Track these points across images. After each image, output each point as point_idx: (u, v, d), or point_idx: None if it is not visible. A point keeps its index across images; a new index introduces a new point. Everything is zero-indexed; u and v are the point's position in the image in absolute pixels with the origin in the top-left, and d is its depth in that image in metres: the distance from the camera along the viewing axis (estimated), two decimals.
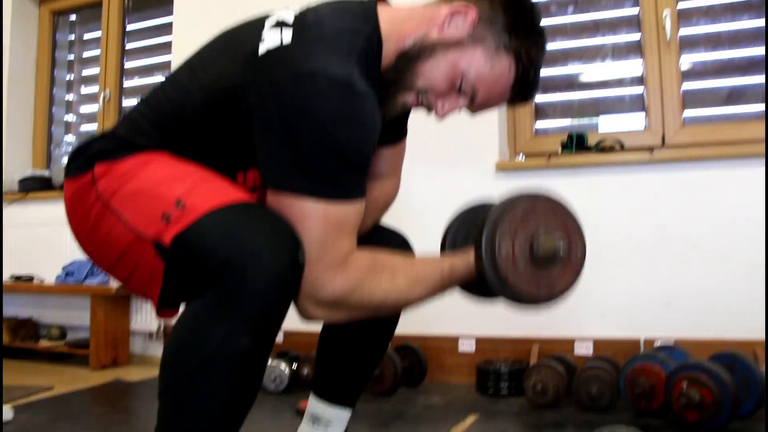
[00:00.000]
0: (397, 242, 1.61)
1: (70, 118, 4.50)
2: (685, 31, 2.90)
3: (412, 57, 1.23)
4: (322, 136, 1.08)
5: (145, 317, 3.52)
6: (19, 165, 4.20)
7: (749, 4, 2.86)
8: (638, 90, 2.96)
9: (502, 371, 2.58)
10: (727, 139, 2.75)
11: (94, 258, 1.30)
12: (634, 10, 2.99)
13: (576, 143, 2.81)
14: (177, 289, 1.16)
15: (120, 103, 4.18)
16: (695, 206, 2.64)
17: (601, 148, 2.80)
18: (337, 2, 1.30)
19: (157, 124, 1.25)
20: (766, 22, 2.76)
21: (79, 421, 2.31)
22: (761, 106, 2.80)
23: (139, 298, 3.28)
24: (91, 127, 4.34)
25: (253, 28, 1.22)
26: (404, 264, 1.26)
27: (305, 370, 2.65)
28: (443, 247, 1.49)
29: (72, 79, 4.51)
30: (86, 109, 4.43)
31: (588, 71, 3.10)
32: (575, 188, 2.78)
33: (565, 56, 3.11)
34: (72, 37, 4.55)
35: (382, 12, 1.27)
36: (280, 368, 2.64)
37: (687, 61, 2.90)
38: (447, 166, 2.93)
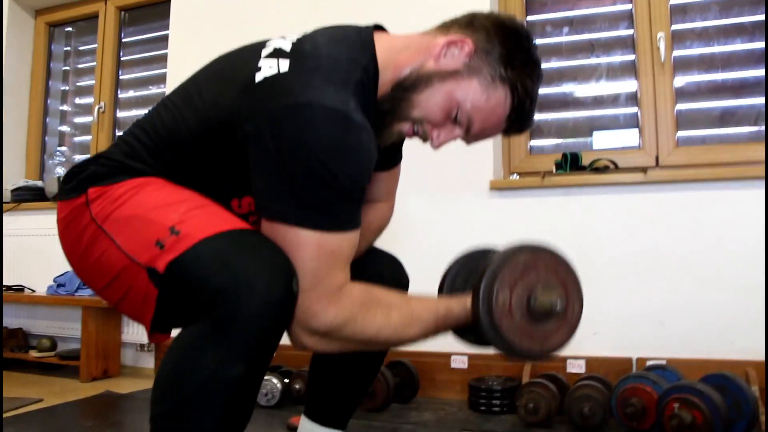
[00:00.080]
0: (391, 265, 1.62)
1: (64, 128, 4.49)
2: (678, 52, 2.92)
3: (408, 87, 1.24)
4: (318, 167, 1.08)
5: (136, 329, 3.51)
6: (12, 175, 4.19)
7: (742, 28, 2.88)
8: (632, 110, 2.98)
9: (494, 388, 2.58)
10: (720, 160, 2.76)
11: (85, 279, 1.30)
12: (628, 32, 3.01)
13: (570, 163, 2.82)
14: (169, 314, 1.16)
15: (114, 114, 4.18)
16: (688, 227, 2.64)
17: (594, 168, 2.81)
18: (335, 30, 1.31)
19: (152, 148, 1.25)
20: (766, 45, 2.78)
21: None
22: (753, 128, 2.81)
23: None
24: (85, 139, 4.32)
25: (250, 55, 1.22)
26: (400, 301, 1.26)
27: (297, 385, 2.65)
28: (441, 289, 1.49)
29: (67, 89, 4.51)
30: (80, 120, 4.42)
31: (583, 91, 3.11)
32: (569, 208, 2.80)
33: (560, 76, 3.12)
34: (67, 48, 4.55)
35: (379, 40, 1.28)
36: (271, 383, 2.64)
37: (681, 82, 2.91)
38: (441, 184, 2.94)
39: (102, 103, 4.13)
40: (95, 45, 4.30)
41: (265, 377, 2.63)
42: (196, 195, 1.22)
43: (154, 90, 4.13)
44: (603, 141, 3.04)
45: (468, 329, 1.31)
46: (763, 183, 2.55)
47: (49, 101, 4.45)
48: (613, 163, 2.82)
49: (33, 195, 3.92)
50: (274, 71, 1.14)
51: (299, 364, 2.74)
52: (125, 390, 3.03)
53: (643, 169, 2.71)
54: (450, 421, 2.49)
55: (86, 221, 1.21)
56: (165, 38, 3.90)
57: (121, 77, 4.24)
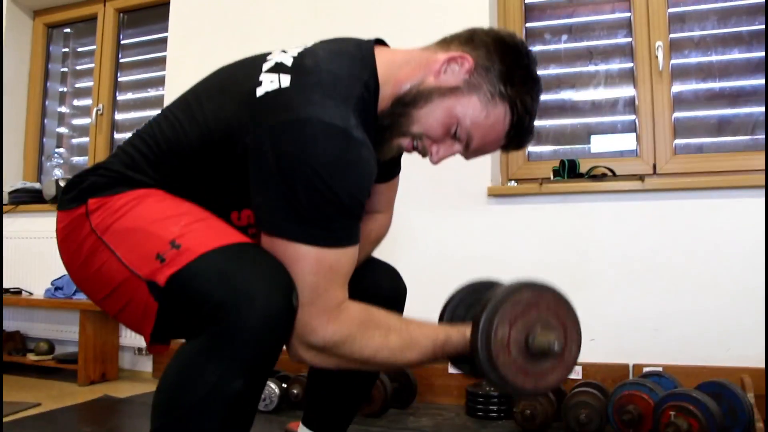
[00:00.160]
0: (389, 275, 1.63)
1: (62, 130, 4.49)
2: (676, 61, 2.93)
3: (408, 103, 1.25)
4: (318, 183, 1.08)
5: (134, 332, 3.50)
6: (10, 177, 4.18)
7: (739, 37, 2.89)
8: (630, 117, 2.99)
9: (491, 394, 2.59)
10: (717, 168, 2.78)
11: (85, 289, 1.31)
12: (627, 40, 3.02)
13: (568, 170, 2.83)
14: (169, 326, 1.17)
15: (113, 117, 4.18)
16: (685, 234, 2.66)
17: (592, 175, 2.82)
18: (335, 44, 1.31)
19: (152, 160, 1.26)
20: (766, 54, 2.79)
21: None
22: (750, 137, 2.83)
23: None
24: (83, 140, 4.32)
25: (251, 68, 1.23)
26: (399, 325, 1.26)
27: (295, 390, 2.65)
28: (442, 316, 1.50)
29: (65, 91, 4.51)
30: (78, 121, 4.42)
31: (581, 98, 3.11)
32: (567, 215, 2.81)
33: (558, 83, 3.13)
34: (66, 49, 4.55)
35: (380, 55, 1.29)
36: (269, 388, 2.64)
37: (678, 90, 2.92)
38: (439, 191, 2.94)
39: (100, 105, 4.13)
40: (93, 47, 4.30)
41: None
42: (197, 208, 1.23)
43: (152, 92, 4.13)
44: (601, 144, 3.05)
45: (465, 359, 1.32)
46: (759, 191, 2.56)
47: (47, 103, 4.45)
48: (611, 170, 2.83)
49: (31, 197, 3.92)
50: (275, 86, 1.15)
51: (297, 369, 2.75)
52: (123, 394, 3.04)
53: (641, 177, 2.72)
54: (447, 426, 2.49)
55: (86, 232, 1.21)
56: (164, 40, 3.89)
57: (119, 79, 4.23)
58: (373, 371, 1.51)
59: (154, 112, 3.84)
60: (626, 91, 3.02)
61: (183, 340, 1.14)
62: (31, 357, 3.52)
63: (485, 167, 2.92)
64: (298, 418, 1.73)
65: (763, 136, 2.80)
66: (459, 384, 2.81)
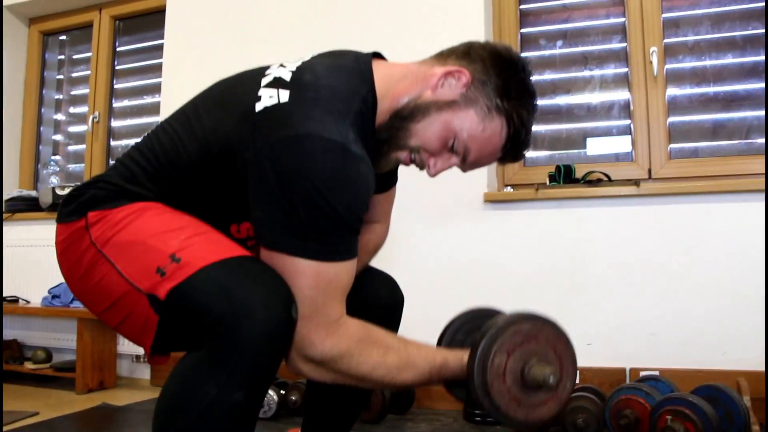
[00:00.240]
0: (386, 284, 1.64)
1: (58, 137, 4.49)
2: (671, 66, 2.95)
3: (405, 116, 1.26)
4: (317, 198, 1.09)
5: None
6: (6, 185, 4.18)
7: (733, 42, 2.91)
8: (625, 122, 3.00)
9: None
10: (711, 172, 2.79)
11: (84, 302, 1.31)
12: (622, 45, 3.04)
13: (563, 175, 2.84)
14: (169, 339, 1.18)
15: (109, 124, 4.18)
16: (680, 239, 2.67)
17: (588, 180, 2.84)
18: (333, 57, 1.32)
19: (151, 173, 1.26)
20: (766, 59, 2.81)
21: None
22: (744, 141, 2.84)
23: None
24: (80, 148, 4.32)
25: (249, 83, 1.24)
26: (397, 344, 1.27)
27: (293, 397, 2.65)
28: (440, 340, 1.51)
29: (60, 98, 4.51)
30: (74, 129, 4.42)
31: (576, 103, 3.13)
32: (563, 220, 2.82)
33: (553, 88, 3.14)
34: (61, 56, 4.55)
35: (377, 69, 1.30)
36: (268, 395, 2.64)
37: (673, 95, 2.94)
38: (435, 197, 2.94)
39: (96, 113, 4.13)
40: (89, 54, 4.30)
41: None
42: (196, 221, 1.24)
43: (148, 99, 4.13)
44: (597, 147, 3.06)
45: (459, 384, 1.33)
46: (753, 195, 2.58)
47: (43, 110, 4.45)
48: (606, 175, 2.84)
49: (27, 205, 3.91)
50: (274, 101, 1.16)
51: (295, 376, 2.74)
52: (121, 402, 3.04)
53: (636, 182, 2.73)
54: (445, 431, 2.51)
55: (86, 245, 1.22)
56: (160, 47, 3.90)
57: (115, 86, 4.24)
58: (364, 394, 1.52)
59: (151, 119, 3.84)
60: (621, 96, 3.03)
61: (182, 352, 1.15)
62: (29, 365, 3.52)
63: (481, 173, 2.93)
64: (296, 425, 1.74)
65: (758, 140, 2.82)
66: None
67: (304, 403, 1.74)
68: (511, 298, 2.83)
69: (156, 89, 3.98)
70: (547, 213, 2.85)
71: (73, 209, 1.26)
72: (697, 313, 2.62)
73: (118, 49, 4.27)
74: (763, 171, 2.69)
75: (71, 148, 4.44)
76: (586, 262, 2.78)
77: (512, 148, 1.31)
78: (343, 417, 1.67)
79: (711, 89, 2.93)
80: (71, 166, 4.37)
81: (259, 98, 1.17)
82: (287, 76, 1.22)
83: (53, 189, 3.79)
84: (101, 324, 3.32)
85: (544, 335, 1.28)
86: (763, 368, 2.42)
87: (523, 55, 3.08)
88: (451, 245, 2.96)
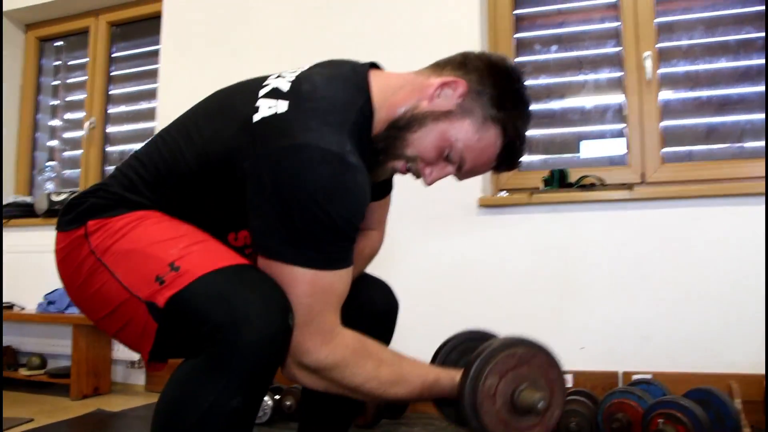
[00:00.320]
0: (382, 291, 1.66)
1: (53, 143, 4.48)
2: (665, 70, 2.97)
3: (402, 126, 1.27)
4: (314, 207, 1.10)
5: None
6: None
7: (726, 46, 2.93)
8: (619, 126, 3.02)
9: None
10: (705, 177, 2.81)
11: (83, 309, 1.32)
12: (616, 50, 3.06)
13: (557, 179, 2.86)
14: (167, 346, 1.19)
15: (105, 130, 4.19)
16: (673, 243, 2.68)
17: (582, 185, 2.85)
18: (331, 68, 1.34)
19: (150, 182, 1.28)
20: (766, 62, 2.83)
21: None
22: (737, 145, 2.87)
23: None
24: (75, 153, 4.32)
25: (248, 93, 1.25)
26: (392, 359, 1.29)
27: (288, 402, 2.66)
28: (434, 358, 1.53)
29: (56, 104, 4.51)
30: (70, 134, 4.42)
31: (571, 107, 3.15)
32: (557, 224, 2.84)
33: (548, 92, 3.16)
34: (57, 62, 4.55)
35: (374, 79, 1.31)
36: (263, 400, 2.64)
37: (666, 99, 2.96)
38: (430, 202, 2.95)
39: (93, 119, 4.14)
40: (85, 60, 4.30)
41: None
42: (195, 230, 1.25)
43: (144, 105, 4.14)
44: (591, 150, 3.08)
45: (449, 403, 1.35)
46: (746, 199, 2.60)
47: (38, 116, 4.45)
48: (600, 180, 2.86)
49: (22, 211, 3.90)
50: (272, 112, 1.17)
51: (290, 381, 2.75)
52: (116, 408, 3.04)
53: (630, 186, 2.75)
54: None
55: (85, 253, 1.23)
56: (156, 53, 3.91)
57: (111, 92, 4.24)
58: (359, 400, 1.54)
59: (147, 125, 3.84)
60: (615, 100, 3.05)
61: (179, 359, 1.16)
62: (23, 372, 3.52)
63: (476, 178, 2.93)
64: (291, 430, 1.75)
65: (751, 144, 2.84)
66: None
67: (299, 409, 1.75)
68: (506, 301, 2.85)
69: (152, 95, 3.99)
70: (541, 217, 2.87)
71: (72, 218, 1.27)
72: (689, 316, 2.63)
73: (114, 54, 4.28)
74: (756, 174, 2.72)
75: (67, 153, 4.43)
76: (580, 266, 2.79)
77: (507, 158, 1.33)
78: (337, 422, 1.68)
79: (704, 93, 2.95)
80: (67, 172, 4.36)
81: (257, 109, 1.19)
82: (285, 87, 1.23)
83: (49, 195, 3.79)
84: (96, 330, 3.33)
85: (537, 361, 1.30)
86: (754, 371, 2.45)
87: (518, 59, 3.12)
88: (446, 250, 2.98)
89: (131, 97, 4.21)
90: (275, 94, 1.22)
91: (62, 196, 3.74)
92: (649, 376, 2.54)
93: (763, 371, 2.41)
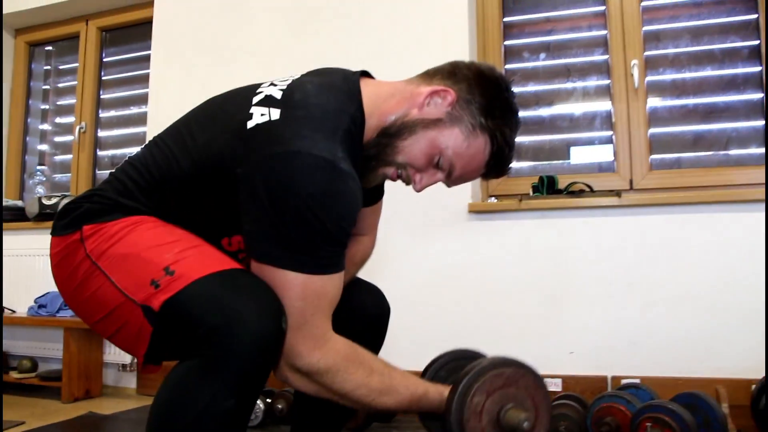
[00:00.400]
0: (373, 296, 1.68)
1: (43, 147, 4.48)
2: (652, 78, 3.01)
3: (393, 134, 1.30)
4: (306, 213, 1.13)
5: (118, 349, 3.49)
6: None
7: (712, 55, 2.97)
8: (607, 133, 3.05)
9: None
10: (691, 183, 2.85)
11: (79, 312, 1.34)
12: (603, 57, 3.09)
13: (546, 186, 2.89)
14: (162, 348, 1.20)
15: (96, 134, 4.19)
16: (661, 249, 2.71)
17: (570, 191, 2.88)
18: (323, 76, 1.36)
19: (145, 188, 1.30)
20: (765, 69, 2.86)
21: None
22: (723, 152, 2.90)
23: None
24: (66, 158, 4.32)
25: (241, 100, 1.27)
26: (382, 368, 1.31)
27: (279, 405, 2.67)
28: (424, 374, 1.55)
29: (47, 108, 4.50)
30: (60, 139, 4.42)
31: (559, 114, 3.18)
32: (546, 230, 2.86)
33: (537, 99, 3.19)
34: (47, 67, 4.55)
35: (365, 87, 1.34)
36: None
37: (654, 107, 3.00)
38: (420, 208, 2.98)
39: (83, 123, 4.14)
40: (76, 64, 4.31)
41: None
42: (189, 235, 1.27)
43: (135, 110, 4.14)
44: (580, 156, 3.11)
45: (435, 418, 1.36)
46: (732, 206, 2.64)
47: (29, 120, 4.44)
48: (589, 186, 2.89)
49: (13, 215, 3.89)
50: (265, 119, 1.19)
51: (282, 385, 2.76)
52: (107, 411, 3.04)
53: (618, 193, 2.78)
54: None
55: (81, 257, 1.25)
56: (146, 58, 3.92)
57: (102, 96, 4.24)
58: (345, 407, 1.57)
59: (137, 130, 3.82)
60: (603, 107, 3.09)
61: (173, 361, 1.18)
62: (14, 375, 3.51)
63: (466, 184, 2.95)
64: None
65: (737, 152, 2.88)
66: None
67: (291, 412, 1.77)
68: (495, 306, 2.87)
69: (143, 100, 4.00)
70: (530, 223, 2.89)
71: (67, 222, 1.29)
72: (677, 322, 2.66)
73: (104, 59, 4.28)
74: (742, 182, 2.77)
75: (57, 158, 4.43)
76: (569, 272, 2.82)
77: (496, 165, 1.36)
78: (329, 425, 1.69)
79: (691, 101, 2.99)
80: (57, 176, 4.36)
81: (250, 116, 1.21)
82: (278, 95, 1.25)
83: (40, 199, 3.78)
84: (87, 333, 3.33)
85: (524, 382, 1.32)
86: (741, 376, 2.49)
87: (506, 66, 3.14)
88: (437, 255, 3.00)
89: (122, 102, 4.21)
90: (268, 101, 1.24)
91: (53, 200, 3.74)
92: (637, 381, 2.56)
93: (749, 376, 2.44)
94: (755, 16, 2.91)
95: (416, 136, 1.30)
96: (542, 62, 3.22)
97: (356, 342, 1.30)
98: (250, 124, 1.20)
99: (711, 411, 2.18)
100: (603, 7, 3.11)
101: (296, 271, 1.17)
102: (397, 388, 1.30)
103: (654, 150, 2.97)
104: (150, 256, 1.19)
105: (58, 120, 4.46)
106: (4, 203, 3.94)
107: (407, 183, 1.37)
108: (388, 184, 1.62)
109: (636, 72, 2.94)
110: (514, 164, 3.14)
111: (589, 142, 3.11)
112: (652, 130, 2.97)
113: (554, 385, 2.73)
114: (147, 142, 1.40)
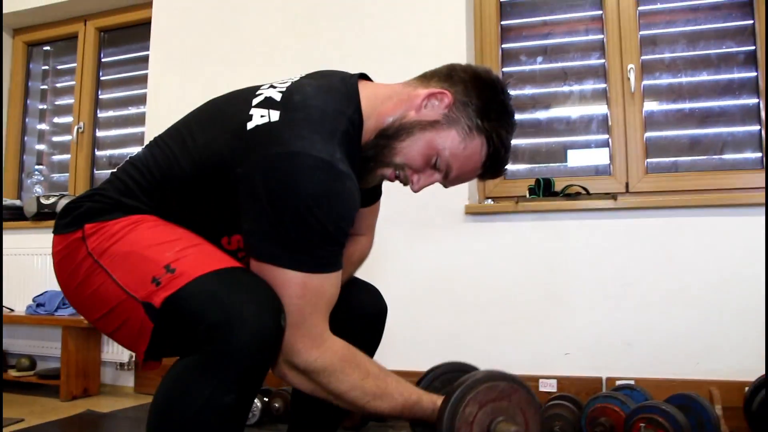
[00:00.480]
0: (371, 295, 1.69)
1: (42, 147, 4.49)
2: (648, 82, 3.03)
3: (390, 135, 1.32)
4: (305, 213, 1.15)
5: (116, 348, 3.52)
6: None
7: (708, 60, 2.99)
8: (604, 137, 3.07)
9: None
10: (687, 187, 2.87)
11: (80, 310, 1.35)
12: (600, 62, 3.11)
13: (543, 188, 2.90)
14: (162, 345, 1.22)
15: (94, 134, 4.20)
16: (656, 251, 2.73)
17: (566, 194, 2.90)
18: (321, 79, 1.38)
19: (146, 187, 1.32)
20: (761, 74, 2.88)
21: None
22: (718, 156, 2.92)
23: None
24: (64, 158, 4.33)
25: (241, 102, 1.29)
26: (378, 373, 1.33)
27: (276, 404, 2.68)
28: (418, 383, 1.56)
29: (45, 108, 4.51)
30: (58, 138, 4.43)
31: (556, 117, 3.20)
32: (542, 232, 2.88)
33: (534, 102, 3.21)
34: (45, 67, 4.56)
35: (364, 90, 1.36)
36: None
37: (650, 111, 3.02)
38: (417, 209, 2.99)
39: (81, 123, 4.15)
40: (74, 64, 4.31)
41: None
42: (189, 233, 1.29)
43: (133, 110, 4.15)
44: (577, 159, 3.13)
45: (427, 426, 1.38)
46: (726, 210, 2.66)
47: (27, 120, 4.45)
48: (585, 189, 2.91)
49: (11, 214, 3.89)
50: (265, 120, 1.21)
51: (279, 384, 2.78)
52: (105, 409, 3.05)
53: (614, 196, 2.80)
54: None
55: (82, 255, 1.27)
56: (145, 59, 3.93)
57: (100, 97, 4.25)
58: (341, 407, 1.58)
59: (135, 130, 3.83)
60: (599, 111, 3.10)
61: (173, 358, 1.20)
62: (13, 373, 3.52)
63: (463, 186, 2.97)
64: None
65: (732, 156, 2.90)
66: None
67: (288, 410, 1.78)
68: (491, 307, 2.89)
69: (141, 100, 4.01)
70: (526, 225, 2.91)
71: (69, 221, 1.30)
72: (671, 324, 2.68)
73: (103, 59, 4.29)
74: (737, 186, 2.79)
75: (56, 157, 4.44)
76: (565, 274, 2.83)
77: (492, 166, 1.38)
78: (326, 424, 1.71)
79: (687, 105, 3.01)
80: (55, 176, 4.38)
81: (250, 117, 1.23)
82: (277, 97, 1.27)
83: (38, 198, 3.79)
84: (86, 332, 3.34)
85: (517, 397, 1.34)
86: (734, 378, 2.51)
87: (504, 70, 3.16)
88: (433, 256, 3.01)
89: (120, 102, 4.22)
90: (268, 103, 1.26)
91: (51, 200, 3.75)
92: (631, 382, 2.58)
93: (743, 378, 2.45)
94: (751, 21, 2.93)
95: (414, 137, 1.32)
96: (539, 65, 3.24)
97: (353, 341, 1.32)
98: (250, 125, 1.22)
99: (704, 412, 2.19)
100: (600, 12, 3.13)
101: (295, 269, 1.19)
102: (392, 394, 1.32)
103: (650, 154, 2.99)
104: (151, 254, 1.20)
105: (56, 120, 4.47)
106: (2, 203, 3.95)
107: (405, 184, 1.38)
108: (386, 185, 1.64)
109: (632, 76, 2.96)
110: (511, 166, 3.18)
111: (586, 145, 3.13)
112: (648, 134, 3.00)
113: (549, 386, 2.75)
114: (148, 143, 1.42)
